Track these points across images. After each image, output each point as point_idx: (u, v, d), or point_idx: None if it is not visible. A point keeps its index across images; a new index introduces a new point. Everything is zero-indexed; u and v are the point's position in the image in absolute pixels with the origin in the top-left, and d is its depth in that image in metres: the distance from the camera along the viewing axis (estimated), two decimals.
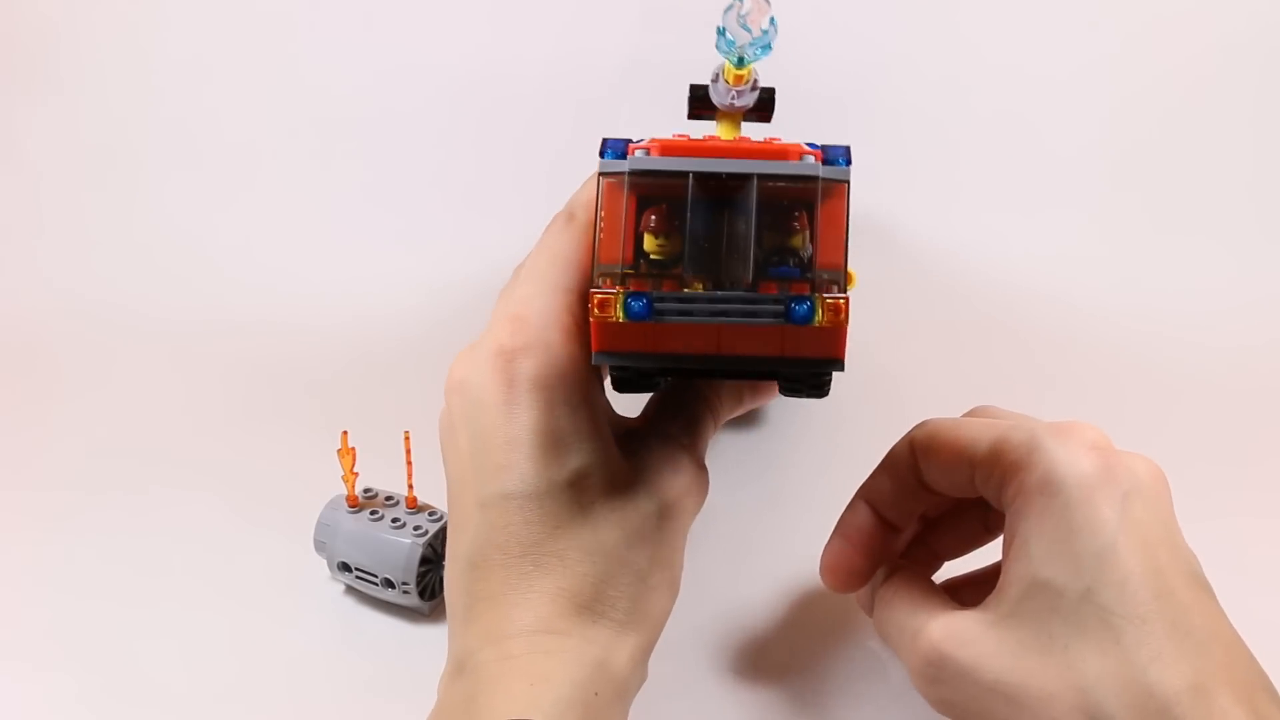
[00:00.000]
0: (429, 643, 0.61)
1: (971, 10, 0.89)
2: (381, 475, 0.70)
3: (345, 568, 0.62)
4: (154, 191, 0.89)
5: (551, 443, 0.49)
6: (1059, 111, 0.90)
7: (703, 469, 0.53)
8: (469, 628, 0.49)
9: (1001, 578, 0.48)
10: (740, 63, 0.51)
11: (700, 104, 0.55)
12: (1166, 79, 0.89)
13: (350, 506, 0.62)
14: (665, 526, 0.50)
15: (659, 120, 0.89)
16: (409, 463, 0.62)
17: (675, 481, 0.51)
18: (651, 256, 0.47)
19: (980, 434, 0.51)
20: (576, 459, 0.49)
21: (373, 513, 0.62)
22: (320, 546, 0.63)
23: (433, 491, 0.66)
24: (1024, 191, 0.88)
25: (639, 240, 0.47)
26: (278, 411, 0.77)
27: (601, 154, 0.49)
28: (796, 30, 0.90)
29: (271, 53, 0.90)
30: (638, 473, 0.51)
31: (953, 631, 0.48)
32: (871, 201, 0.89)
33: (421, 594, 0.61)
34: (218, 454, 0.73)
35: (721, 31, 0.50)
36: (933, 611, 0.49)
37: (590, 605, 0.48)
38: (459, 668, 0.48)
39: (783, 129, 0.89)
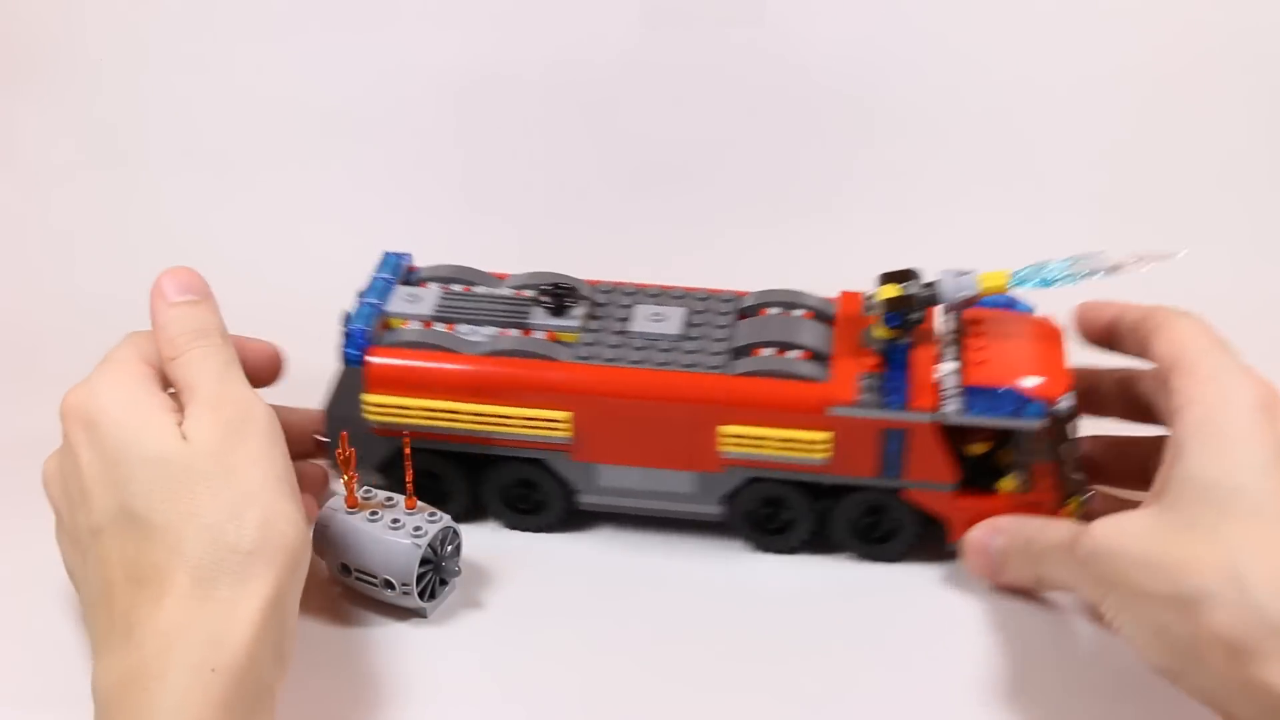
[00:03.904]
0: (429, 644, 0.61)
1: (972, 13, 0.89)
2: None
3: (345, 569, 0.62)
4: (155, 190, 0.88)
5: None
6: (1060, 112, 0.90)
7: None
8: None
9: (1159, 479, 0.55)
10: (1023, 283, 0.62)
11: (905, 314, 0.63)
12: (1168, 80, 0.89)
13: (349, 508, 0.62)
14: None
15: (658, 120, 0.90)
16: (408, 464, 0.62)
17: None
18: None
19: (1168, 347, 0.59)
20: None
21: (372, 514, 0.62)
22: (319, 548, 0.63)
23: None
24: (1024, 194, 0.88)
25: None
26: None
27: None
28: (798, 29, 0.90)
29: (273, 51, 0.90)
30: None
31: (1111, 523, 0.54)
32: (871, 201, 0.89)
33: (421, 595, 0.61)
34: None
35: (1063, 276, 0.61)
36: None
37: None
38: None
39: (784, 131, 0.89)
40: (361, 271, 0.80)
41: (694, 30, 0.89)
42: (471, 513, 0.67)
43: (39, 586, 0.64)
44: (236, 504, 0.53)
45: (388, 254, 0.71)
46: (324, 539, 0.62)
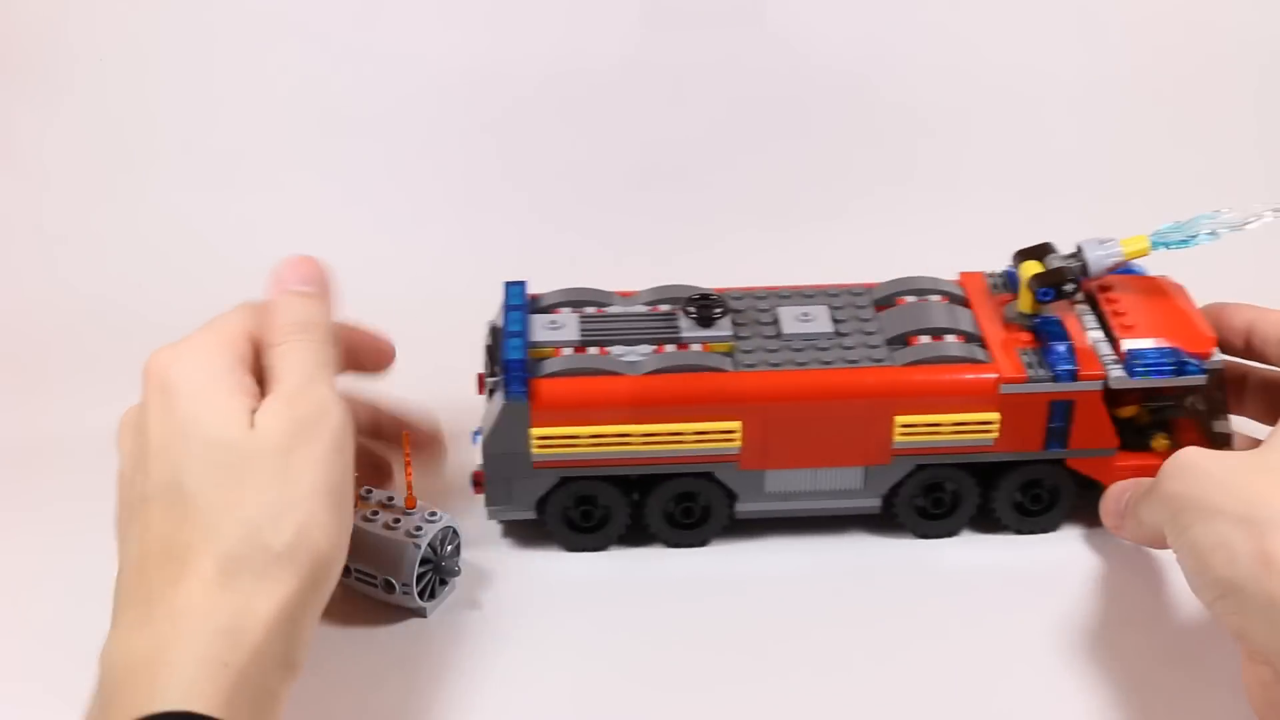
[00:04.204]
0: (430, 642, 0.61)
1: (973, 11, 0.89)
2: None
3: (345, 570, 0.61)
4: (159, 190, 0.88)
5: None
6: (1061, 107, 0.90)
7: None
8: None
9: (1271, 430, 0.55)
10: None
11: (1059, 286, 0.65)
12: (1170, 73, 0.89)
13: None
14: None
15: (658, 121, 0.90)
16: (408, 462, 0.62)
17: None
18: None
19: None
20: None
21: (370, 513, 0.62)
22: None
23: (431, 493, 0.66)
24: (1024, 191, 0.88)
25: None
26: None
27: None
28: (799, 28, 0.90)
29: (275, 52, 0.90)
30: None
31: (1203, 449, 0.55)
32: (873, 200, 0.89)
33: (421, 594, 0.61)
34: None
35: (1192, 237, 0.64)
36: None
37: None
38: None
39: (785, 131, 0.89)
40: (359, 274, 0.80)
41: (694, 30, 0.88)
42: (631, 535, 0.66)
43: (38, 584, 0.64)
44: (280, 504, 0.52)
45: (509, 284, 0.69)
46: None
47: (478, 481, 0.65)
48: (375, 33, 0.89)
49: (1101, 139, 0.89)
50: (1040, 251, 0.65)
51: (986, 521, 0.67)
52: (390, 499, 0.63)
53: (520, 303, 0.67)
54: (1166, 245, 0.64)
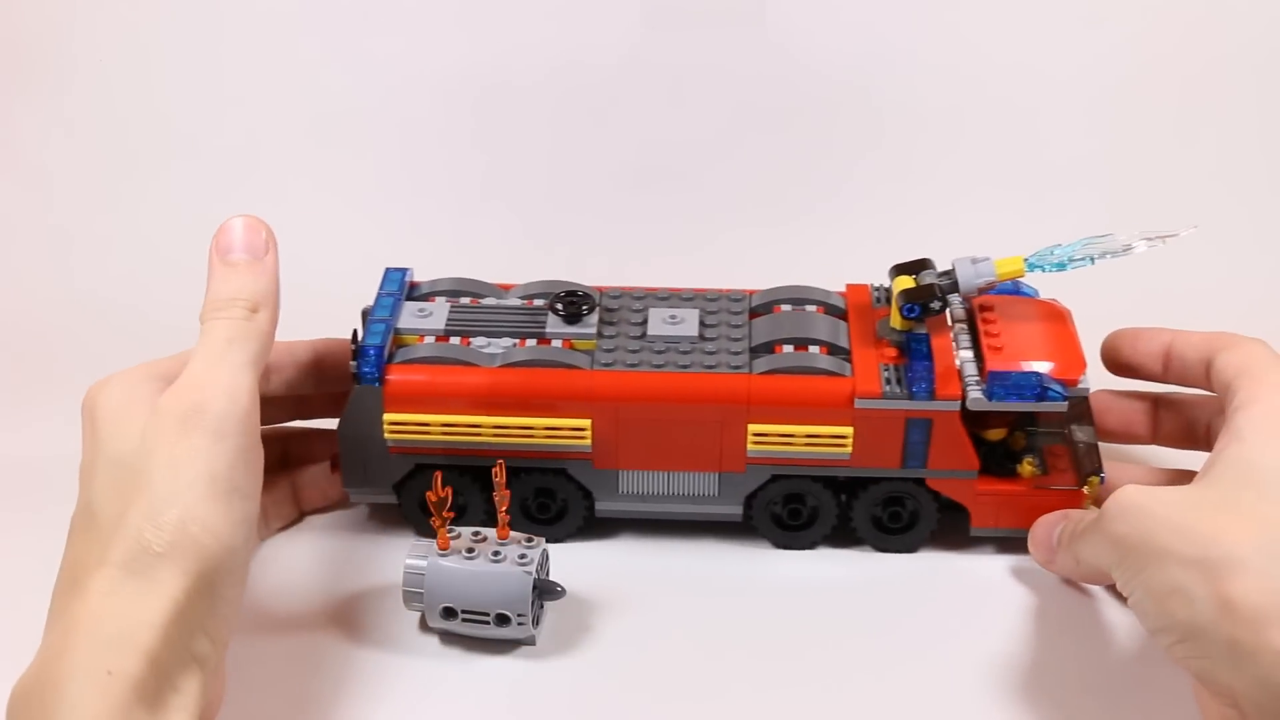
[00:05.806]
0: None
1: (973, 11, 0.90)
2: None
3: (450, 613, 0.61)
4: (155, 190, 0.87)
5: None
6: (1059, 109, 0.91)
7: None
8: None
9: (1205, 465, 0.56)
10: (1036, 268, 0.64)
11: (926, 304, 0.64)
12: (1166, 76, 0.91)
13: (442, 550, 0.61)
14: None
15: (659, 121, 0.89)
16: (504, 490, 0.60)
17: None
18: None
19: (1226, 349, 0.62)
20: None
21: (468, 551, 0.61)
22: (413, 598, 0.61)
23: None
24: (1024, 190, 0.90)
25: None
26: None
27: None
28: (799, 28, 0.89)
29: (276, 52, 0.88)
30: None
31: (1145, 488, 0.55)
32: (872, 199, 0.90)
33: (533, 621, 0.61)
34: None
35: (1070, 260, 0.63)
36: None
37: None
38: None
39: (784, 130, 0.88)
40: (360, 274, 0.79)
41: (695, 30, 0.88)
42: (487, 526, 0.66)
43: (38, 586, 0.62)
44: (157, 503, 0.51)
45: (389, 270, 0.69)
46: (419, 586, 0.61)
47: (335, 463, 0.66)
48: (377, 34, 0.88)
49: (1104, 141, 0.90)
50: (916, 267, 0.65)
51: (848, 537, 0.67)
52: (478, 533, 0.62)
53: (395, 289, 0.68)
54: (1042, 268, 0.63)
